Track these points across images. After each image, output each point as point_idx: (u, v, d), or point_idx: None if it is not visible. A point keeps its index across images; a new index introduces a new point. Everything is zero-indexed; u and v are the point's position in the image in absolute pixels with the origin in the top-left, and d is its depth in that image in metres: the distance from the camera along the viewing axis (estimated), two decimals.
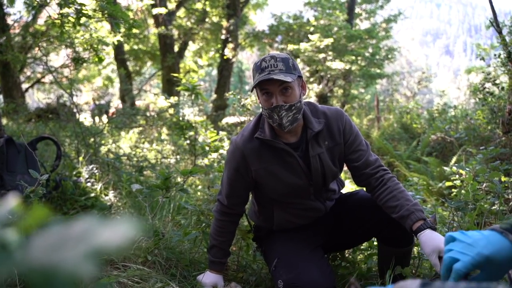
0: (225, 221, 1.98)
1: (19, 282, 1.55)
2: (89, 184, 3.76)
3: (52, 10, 4.06)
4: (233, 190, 1.93)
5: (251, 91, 1.78)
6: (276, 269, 1.86)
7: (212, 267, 1.97)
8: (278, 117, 1.70)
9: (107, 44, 4.91)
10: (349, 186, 4.94)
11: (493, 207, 2.29)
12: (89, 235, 0.37)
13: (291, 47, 11.43)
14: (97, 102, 9.82)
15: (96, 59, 4.06)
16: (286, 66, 1.70)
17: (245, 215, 2.25)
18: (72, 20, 3.51)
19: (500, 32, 4.47)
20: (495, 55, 4.78)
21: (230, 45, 12.45)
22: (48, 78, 12.53)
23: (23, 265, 0.36)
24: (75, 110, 6.13)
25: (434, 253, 1.52)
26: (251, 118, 4.12)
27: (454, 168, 2.81)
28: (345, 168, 1.98)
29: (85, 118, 8.98)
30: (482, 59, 5.54)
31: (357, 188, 2.23)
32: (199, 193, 4.12)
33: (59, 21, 3.55)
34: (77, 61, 4.33)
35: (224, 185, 1.96)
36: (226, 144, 4.74)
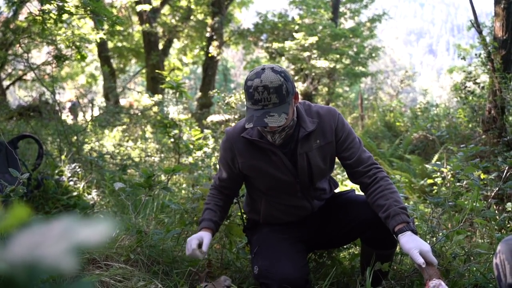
0: (217, 196, 2.05)
1: None
2: (71, 183, 3.72)
3: (33, 7, 4.00)
4: (224, 176, 2.01)
5: (245, 123, 1.70)
6: (255, 256, 1.92)
7: (202, 226, 1.93)
8: (271, 138, 1.78)
9: (90, 42, 4.86)
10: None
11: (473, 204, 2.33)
12: (69, 233, 0.38)
13: (276, 45, 11.45)
14: (74, 100, 9.66)
15: (79, 57, 4.02)
16: (280, 97, 1.66)
17: (239, 206, 2.27)
18: (54, 16, 3.46)
19: (480, 32, 4.55)
20: (476, 54, 4.86)
21: (215, 43, 12.41)
22: (30, 75, 12.31)
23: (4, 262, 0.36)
24: (57, 108, 6.05)
25: (414, 249, 1.58)
26: (236, 116, 4.11)
27: (435, 167, 2.86)
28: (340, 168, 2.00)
29: (67, 116, 8.85)
30: (463, 58, 5.63)
31: (349, 189, 2.26)
32: (183, 192, 4.11)
33: (40, 17, 3.50)
34: (59, 58, 4.27)
35: (219, 168, 2.06)
36: (211, 142, 4.74)
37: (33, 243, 0.38)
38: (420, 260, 1.55)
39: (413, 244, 1.60)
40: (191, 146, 4.23)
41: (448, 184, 2.91)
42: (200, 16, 14.07)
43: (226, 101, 3.56)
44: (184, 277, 1.99)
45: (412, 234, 1.64)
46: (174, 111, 5.29)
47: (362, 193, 1.96)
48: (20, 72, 12.52)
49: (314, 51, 11.00)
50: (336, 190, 2.17)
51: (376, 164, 1.89)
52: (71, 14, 3.44)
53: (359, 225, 1.91)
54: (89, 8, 3.30)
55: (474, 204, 2.25)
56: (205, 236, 1.88)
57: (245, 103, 1.78)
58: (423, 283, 1.59)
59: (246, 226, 2.17)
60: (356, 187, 3.08)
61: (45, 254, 0.36)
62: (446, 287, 1.49)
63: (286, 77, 1.69)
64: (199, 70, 21.29)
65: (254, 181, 1.95)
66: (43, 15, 3.47)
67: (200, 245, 1.84)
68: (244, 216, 2.25)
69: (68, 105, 10.66)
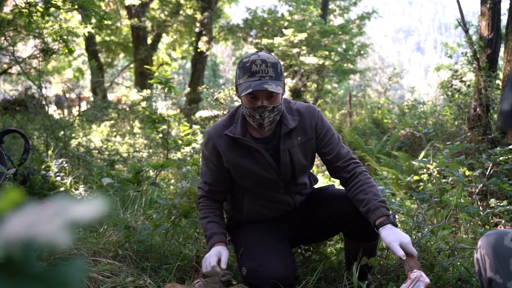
0: (211, 205, 1.99)
1: None
2: (58, 178, 3.69)
3: None
4: (211, 179, 1.96)
5: (239, 95, 1.77)
6: (241, 257, 1.91)
7: (214, 240, 1.88)
8: (260, 117, 1.75)
9: (77, 35, 4.80)
10: (322, 180, 5.01)
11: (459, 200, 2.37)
12: (64, 211, 0.39)
13: (265, 41, 11.43)
14: (60, 94, 9.55)
15: (66, 51, 3.98)
16: (276, 72, 1.73)
17: None
18: (41, 9, 3.42)
19: (466, 31, 4.61)
20: (462, 53, 4.93)
21: (204, 38, 12.35)
22: (16, 69, 12.11)
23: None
24: (44, 102, 5.98)
25: (394, 242, 1.62)
26: (225, 112, 4.11)
27: (421, 163, 2.90)
28: (318, 162, 2.02)
29: (54, 111, 8.75)
30: (450, 57, 5.70)
31: (329, 183, 2.29)
32: (171, 187, 4.10)
33: (26, 10, 3.45)
34: (46, 52, 4.22)
35: (203, 174, 2.00)
36: (200, 138, 4.73)
37: (27, 222, 0.38)
38: (401, 253, 1.59)
39: (393, 237, 1.64)
40: (180, 142, 4.22)
41: (434, 181, 2.95)
42: (189, 11, 13.98)
43: (215, 97, 3.57)
44: (173, 273, 2.00)
45: (392, 227, 1.68)
46: (163, 106, 5.27)
47: (342, 188, 1.99)
48: (5, 66, 12.30)
49: (303, 48, 11.02)
50: (316, 186, 2.19)
51: (355, 159, 1.94)
52: (58, 8, 3.40)
53: (340, 219, 1.94)
54: (76, 3, 3.27)
55: (459, 200, 2.29)
56: (222, 251, 1.84)
57: (238, 81, 1.77)
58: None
59: (227, 225, 2.16)
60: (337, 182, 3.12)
61: (40, 232, 0.37)
62: (426, 278, 1.52)
63: (279, 60, 1.78)
64: (188, 65, 21.17)
65: (238, 179, 1.95)
66: (29, 8, 3.42)
67: (218, 262, 1.80)
68: (225, 215, 2.22)
69: (54, 99, 10.52)
